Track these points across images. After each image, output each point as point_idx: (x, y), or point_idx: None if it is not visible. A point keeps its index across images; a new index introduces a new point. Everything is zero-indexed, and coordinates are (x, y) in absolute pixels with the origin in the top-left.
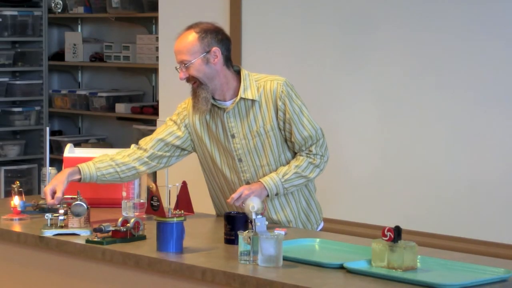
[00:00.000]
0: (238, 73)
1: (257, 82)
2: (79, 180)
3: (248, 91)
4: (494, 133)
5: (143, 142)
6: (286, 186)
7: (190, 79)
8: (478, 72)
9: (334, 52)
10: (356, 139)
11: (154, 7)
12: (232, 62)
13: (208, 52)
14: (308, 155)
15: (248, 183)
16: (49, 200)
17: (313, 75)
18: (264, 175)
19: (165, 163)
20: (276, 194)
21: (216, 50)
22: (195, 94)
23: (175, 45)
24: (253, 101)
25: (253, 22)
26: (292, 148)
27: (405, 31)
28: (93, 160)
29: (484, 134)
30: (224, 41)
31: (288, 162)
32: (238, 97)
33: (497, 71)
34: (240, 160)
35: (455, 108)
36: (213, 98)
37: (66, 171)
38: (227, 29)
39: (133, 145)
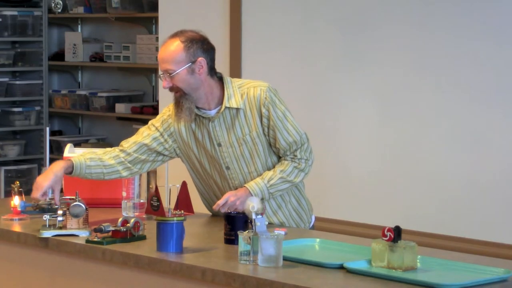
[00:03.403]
0: (221, 79)
1: (241, 89)
2: (68, 173)
3: (232, 99)
4: (494, 133)
5: (126, 144)
6: (271, 191)
7: (174, 88)
8: (478, 72)
9: (333, 52)
10: (356, 139)
11: (154, 7)
12: (216, 70)
13: (193, 62)
14: (293, 160)
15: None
16: (38, 195)
17: (313, 75)
18: None
19: (147, 167)
20: (262, 199)
21: (202, 60)
22: (178, 104)
23: (160, 53)
24: (237, 109)
25: (253, 22)
26: (277, 153)
27: (405, 31)
28: (85, 157)
29: (484, 134)
30: (210, 51)
31: (275, 166)
32: (223, 106)
33: (497, 71)
34: (227, 168)
35: (455, 108)
36: (197, 107)
37: (61, 165)
38: (227, 29)
39: (116, 148)
